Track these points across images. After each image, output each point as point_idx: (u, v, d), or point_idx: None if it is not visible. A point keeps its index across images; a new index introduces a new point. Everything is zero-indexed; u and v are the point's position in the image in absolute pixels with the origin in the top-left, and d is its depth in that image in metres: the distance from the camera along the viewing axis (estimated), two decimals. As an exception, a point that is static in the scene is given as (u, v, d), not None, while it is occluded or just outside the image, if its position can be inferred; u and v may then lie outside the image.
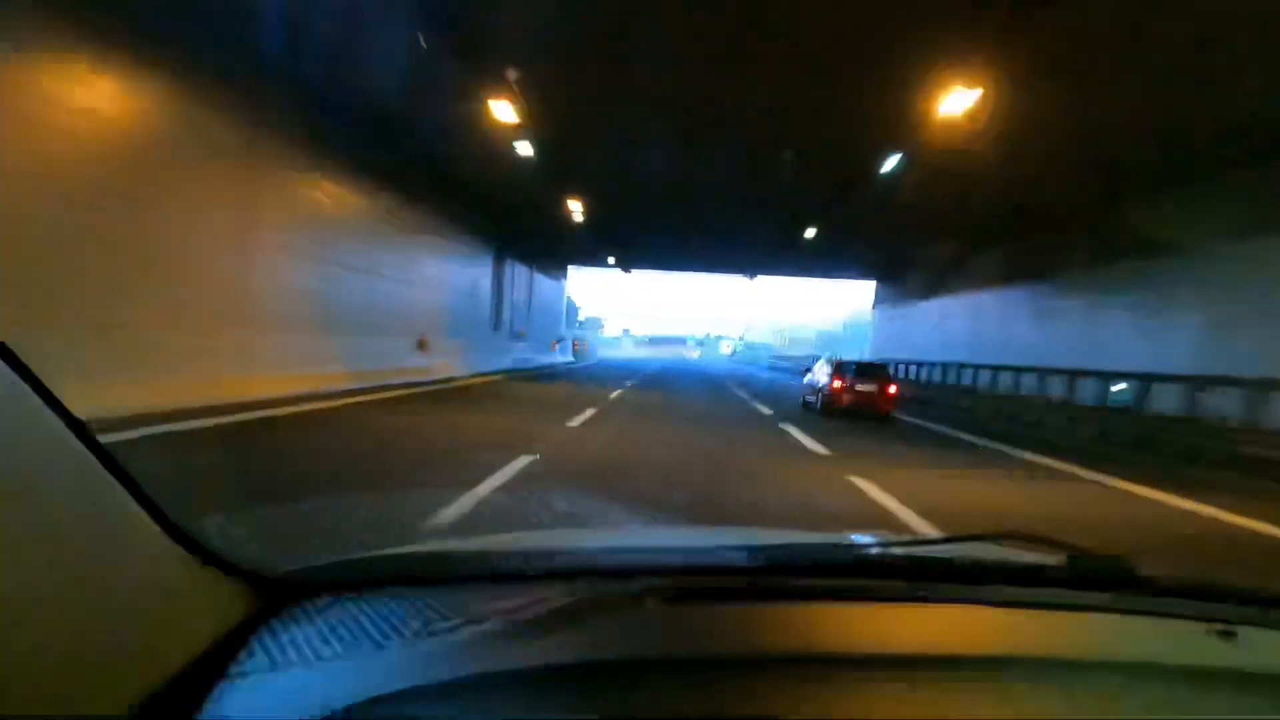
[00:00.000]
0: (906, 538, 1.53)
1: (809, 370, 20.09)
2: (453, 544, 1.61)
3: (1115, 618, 1.12)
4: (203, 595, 0.93)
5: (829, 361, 18.48)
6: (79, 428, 0.78)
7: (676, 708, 0.80)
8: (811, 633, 1.01)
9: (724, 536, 1.81)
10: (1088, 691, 0.89)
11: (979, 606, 1.11)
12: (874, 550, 1.32)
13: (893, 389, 17.41)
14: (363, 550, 1.21)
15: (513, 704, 0.79)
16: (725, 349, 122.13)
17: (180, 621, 0.87)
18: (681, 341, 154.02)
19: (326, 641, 0.93)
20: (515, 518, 5.09)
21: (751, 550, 1.19)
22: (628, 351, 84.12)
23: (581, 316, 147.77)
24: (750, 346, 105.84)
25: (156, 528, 0.86)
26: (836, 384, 17.32)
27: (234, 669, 0.86)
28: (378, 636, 0.93)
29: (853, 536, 1.58)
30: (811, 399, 19.13)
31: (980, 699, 0.87)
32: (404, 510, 5.14)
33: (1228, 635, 1.03)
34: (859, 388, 17.18)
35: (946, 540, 1.34)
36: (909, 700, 0.84)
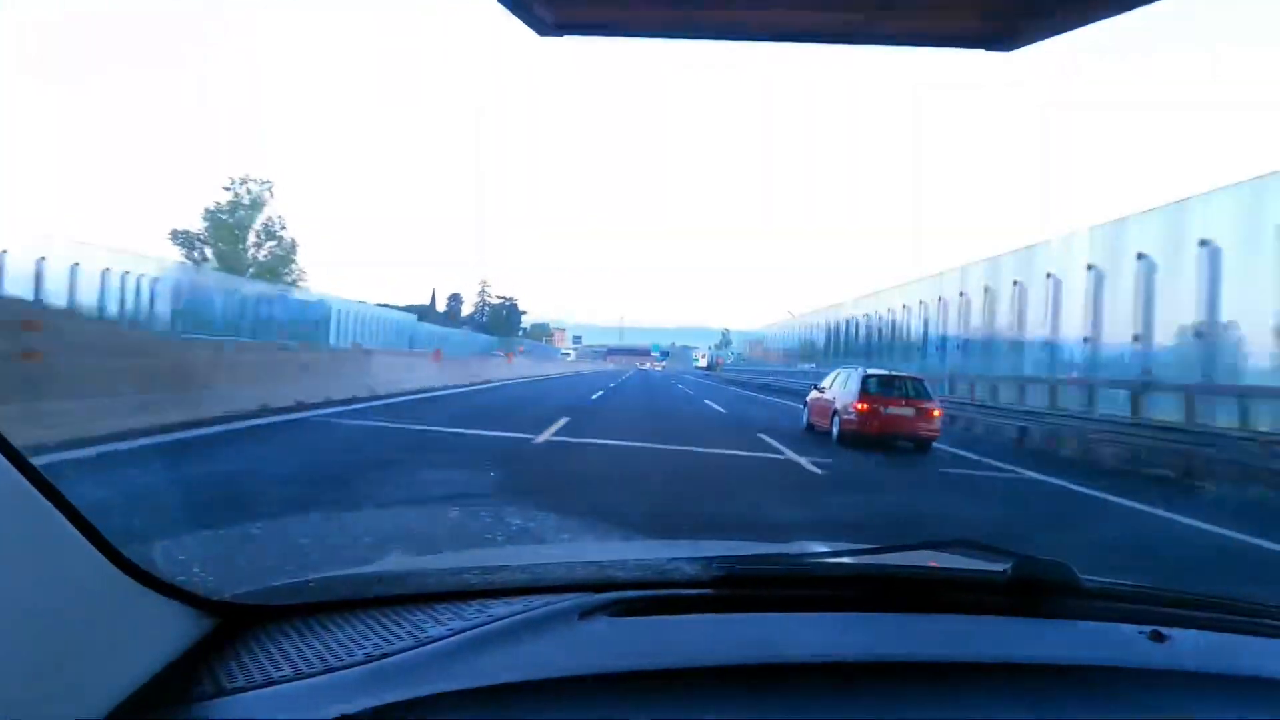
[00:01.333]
0: (856, 547, 1.37)
1: (817, 388, 15.82)
2: (408, 563, 1.62)
3: (1057, 622, 1.16)
4: (148, 622, 0.91)
5: (849, 375, 14.25)
6: (14, 455, 0.78)
7: None
8: (762, 643, 1.01)
9: (675, 549, 1.69)
10: (1030, 694, 0.94)
11: (926, 614, 1.14)
12: (823, 561, 1.34)
13: (936, 411, 13.22)
14: (313, 573, 1.24)
15: None
16: (700, 360, 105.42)
17: (124, 649, 0.86)
18: (645, 353, 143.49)
19: (278, 666, 0.92)
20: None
21: (702, 562, 1.20)
22: (569, 367, 67.02)
23: (527, 322, 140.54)
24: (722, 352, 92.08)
25: (99, 554, 0.85)
26: (861, 405, 13.07)
27: (182, 697, 0.85)
28: (330, 660, 0.93)
29: (802, 546, 1.56)
30: (819, 422, 14.85)
31: (927, 703, 0.90)
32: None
33: (1159, 637, 1.09)
34: (891, 410, 12.96)
35: (895, 549, 1.37)
36: (857, 706, 0.87)
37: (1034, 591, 1.17)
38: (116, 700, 0.79)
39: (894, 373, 14.40)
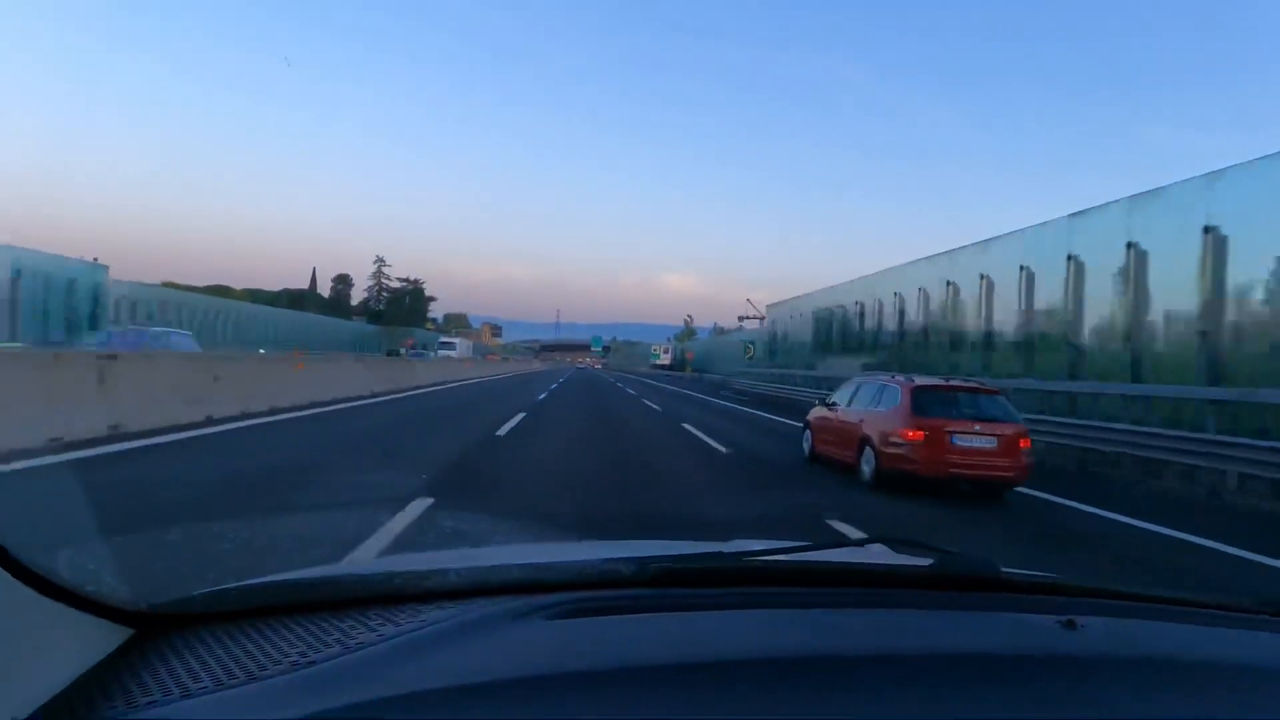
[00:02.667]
0: (789, 544, 1.38)
1: (826, 404, 11.42)
2: (337, 569, 1.60)
3: (979, 614, 1.19)
4: (51, 635, 0.88)
5: (883, 385, 9.87)
6: None
7: None
8: (698, 642, 1.00)
9: (613, 550, 1.62)
10: (953, 684, 0.94)
11: (856, 609, 1.17)
12: (759, 559, 1.29)
13: (1025, 439, 8.94)
14: (235, 580, 1.20)
15: None
16: (663, 356, 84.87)
17: (22, 665, 0.82)
18: (585, 348, 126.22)
19: (196, 677, 0.88)
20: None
21: (638, 563, 1.19)
22: (447, 372, 36.04)
23: (438, 311, 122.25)
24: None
25: None
26: (913, 430, 8.71)
27: (91, 712, 0.82)
28: (253, 668, 0.89)
29: (739, 545, 1.52)
30: (835, 453, 10.53)
31: (855, 697, 0.89)
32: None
33: (1071, 626, 1.11)
34: (961, 439, 8.64)
35: (826, 547, 1.43)
36: (793, 701, 0.87)
37: (957, 585, 1.24)
38: (24, 715, 0.77)
39: (954, 382, 10.08)
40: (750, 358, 42.31)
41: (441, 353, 64.97)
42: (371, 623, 1.01)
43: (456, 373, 37.34)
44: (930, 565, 1.25)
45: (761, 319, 50.47)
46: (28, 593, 0.85)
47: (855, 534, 6.14)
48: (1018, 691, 0.95)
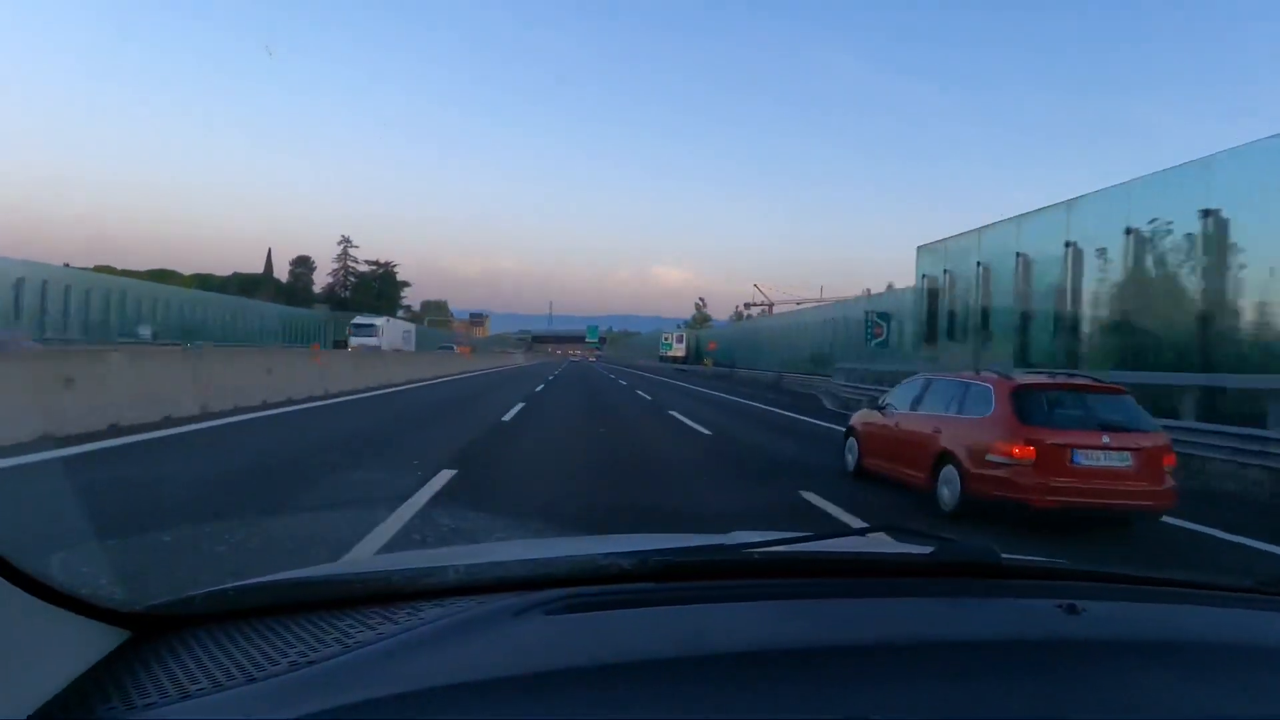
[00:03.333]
0: (788, 535, 1.35)
1: (878, 405, 9.19)
2: (335, 568, 1.51)
3: (980, 601, 1.19)
4: (46, 638, 0.88)
5: (959, 381, 7.66)
6: None
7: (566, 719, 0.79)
8: (699, 635, 1.00)
9: (610, 544, 1.56)
10: (956, 671, 0.94)
11: (857, 599, 1.17)
12: (760, 551, 1.29)
13: (1168, 454, 6.75)
14: (234, 580, 1.18)
15: None
16: (677, 347, 67.46)
17: (15, 669, 0.82)
18: (579, 340, 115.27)
19: (194, 678, 0.88)
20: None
21: (638, 557, 1.18)
22: (362, 372, 20.79)
23: (414, 298, 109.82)
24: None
25: None
26: (1020, 445, 6.52)
27: (89, 714, 0.82)
28: (251, 669, 0.89)
29: (737, 537, 1.46)
30: (889, 468, 8.41)
31: (859, 686, 0.89)
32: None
33: (1073, 610, 1.11)
34: (1086, 457, 6.46)
35: (828, 537, 1.41)
36: (795, 692, 0.86)
37: (958, 572, 1.24)
38: (20, 718, 0.76)
39: (1063, 376, 7.74)
40: (879, 341, 25.54)
41: (356, 340, 46.79)
42: (370, 621, 1.01)
43: (379, 374, 22.58)
44: (930, 553, 1.25)
45: (769, 307, 42.29)
46: (22, 596, 0.85)
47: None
48: (1022, 676, 0.95)
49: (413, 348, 52.79)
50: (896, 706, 0.86)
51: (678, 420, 16.59)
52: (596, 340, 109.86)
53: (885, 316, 26.35)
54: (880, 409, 9.01)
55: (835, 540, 1.40)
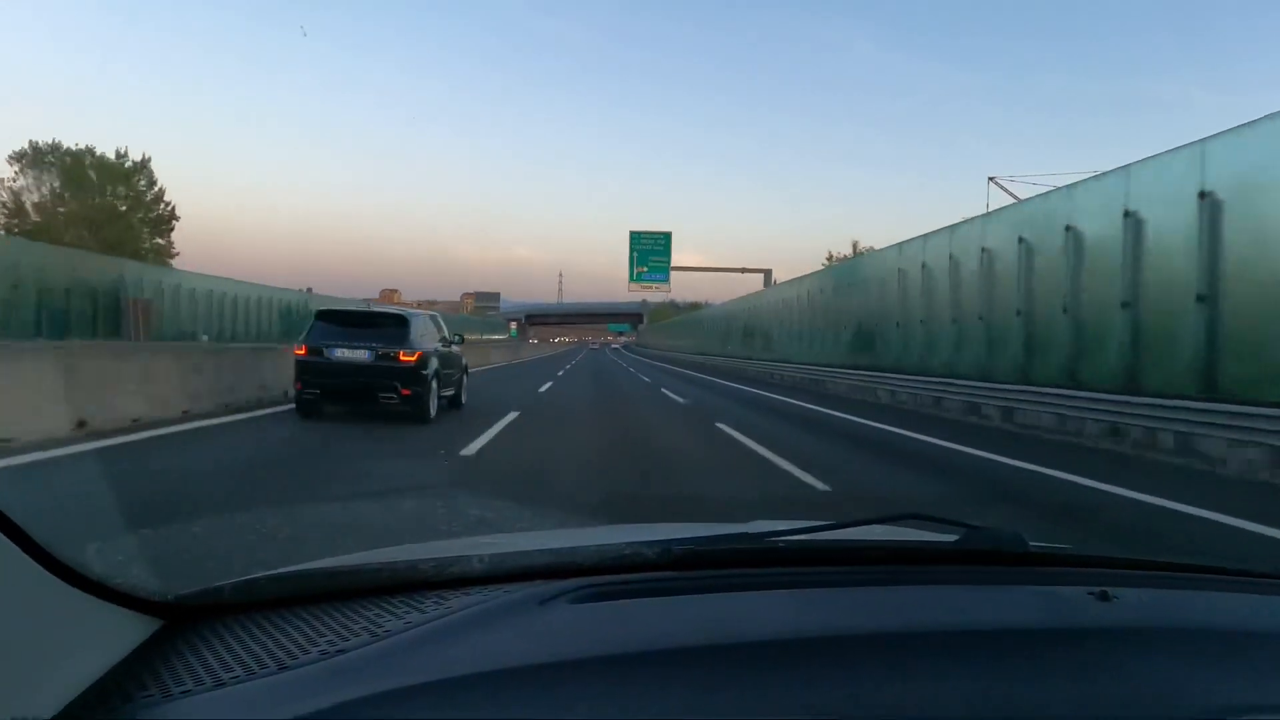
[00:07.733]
0: (813, 524, 1.33)
1: None
2: (362, 557, 1.53)
3: (1008, 588, 1.18)
4: (82, 627, 0.89)
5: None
6: None
7: (591, 708, 0.80)
8: (724, 624, 1.00)
9: (635, 533, 1.59)
10: (985, 660, 0.93)
11: (883, 587, 1.16)
12: (784, 539, 1.28)
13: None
14: (264, 569, 1.19)
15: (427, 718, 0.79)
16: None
17: (54, 657, 0.83)
18: (601, 319, 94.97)
19: (228, 667, 0.89)
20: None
21: (662, 545, 1.18)
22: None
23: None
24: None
25: (25, 556, 0.83)
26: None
27: (124, 704, 0.83)
28: (284, 657, 0.90)
29: (761, 525, 1.43)
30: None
31: (885, 676, 0.89)
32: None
33: (1104, 598, 1.09)
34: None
35: (852, 524, 1.38)
36: (818, 683, 0.86)
37: (985, 560, 1.24)
38: (51, 711, 0.78)
39: None
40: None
41: None
42: (398, 610, 1.01)
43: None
44: (957, 540, 1.23)
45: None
46: (57, 584, 0.86)
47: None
48: (1052, 664, 0.94)
49: None
50: (926, 696, 0.86)
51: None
52: (629, 328, 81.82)
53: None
54: None
55: (860, 528, 1.40)
